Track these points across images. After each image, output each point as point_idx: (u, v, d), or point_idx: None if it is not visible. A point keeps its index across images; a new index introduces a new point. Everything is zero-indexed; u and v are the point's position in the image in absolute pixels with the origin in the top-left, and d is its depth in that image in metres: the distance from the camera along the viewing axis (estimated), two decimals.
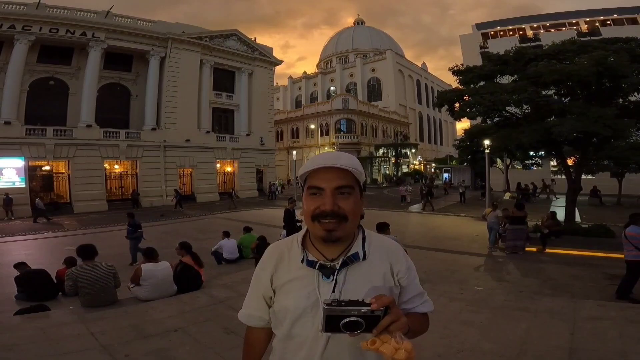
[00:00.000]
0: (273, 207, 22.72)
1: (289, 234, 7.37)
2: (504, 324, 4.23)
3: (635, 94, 11.06)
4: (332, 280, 1.09)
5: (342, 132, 44.20)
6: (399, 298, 1.17)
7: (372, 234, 1.22)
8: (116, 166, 25.24)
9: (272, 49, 34.14)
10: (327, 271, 1.10)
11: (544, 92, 11.59)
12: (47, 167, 22.61)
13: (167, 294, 5.54)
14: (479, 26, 52.69)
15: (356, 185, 1.11)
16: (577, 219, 13.41)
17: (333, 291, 1.08)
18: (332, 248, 1.13)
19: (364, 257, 1.13)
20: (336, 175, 1.08)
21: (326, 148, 42.49)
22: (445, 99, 13.60)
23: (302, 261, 1.13)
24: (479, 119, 14.44)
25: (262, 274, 1.21)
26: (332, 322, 0.91)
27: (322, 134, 45.20)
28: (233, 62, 30.55)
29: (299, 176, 1.16)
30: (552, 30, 46.35)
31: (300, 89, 66.82)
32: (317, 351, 1.08)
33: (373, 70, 58.51)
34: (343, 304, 0.93)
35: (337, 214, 1.06)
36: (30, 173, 21.36)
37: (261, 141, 32.09)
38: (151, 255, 5.74)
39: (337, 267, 1.10)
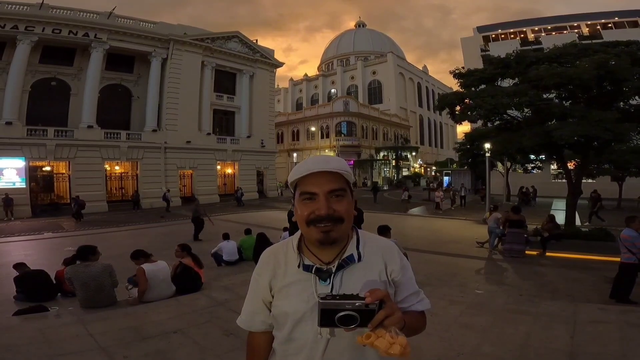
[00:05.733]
0: (274, 209, 22.73)
1: (292, 234, 7.37)
2: (504, 327, 4.21)
3: (636, 97, 11.06)
4: (329, 283, 1.10)
5: (342, 135, 44.25)
6: (394, 297, 1.17)
7: (366, 235, 1.23)
8: (117, 167, 25.27)
9: (273, 51, 34.21)
10: (323, 275, 1.11)
11: (545, 96, 11.59)
12: (47, 168, 22.63)
13: (166, 294, 5.52)
14: (480, 29, 52.91)
15: (347, 186, 1.12)
16: (578, 222, 13.39)
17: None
18: (328, 251, 1.13)
19: (359, 259, 1.14)
20: (327, 178, 1.08)
21: (327, 151, 42.51)
22: (446, 102, 13.60)
23: (299, 266, 1.14)
24: (479, 122, 14.44)
25: (260, 280, 1.22)
26: (328, 317, 0.92)
27: (322, 137, 45.23)
28: (234, 64, 30.63)
29: (290, 183, 1.16)
30: (554, 33, 46.49)
31: (301, 91, 66.94)
32: (317, 353, 1.09)
33: (374, 72, 58.63)
34: (337, 297, 0.94)
35: (332, 217, 1.06)
36: (31, 173, 21.37)
37: (262, 143, 32.12)
38: (145, 255, 5.68)
39: (333, 270, 1.11)
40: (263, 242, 8.16)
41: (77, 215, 18.41)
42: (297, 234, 1.21)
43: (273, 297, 1.18)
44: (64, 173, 23.06)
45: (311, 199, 1.08)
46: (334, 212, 1.07)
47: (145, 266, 5.38)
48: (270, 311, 1.20)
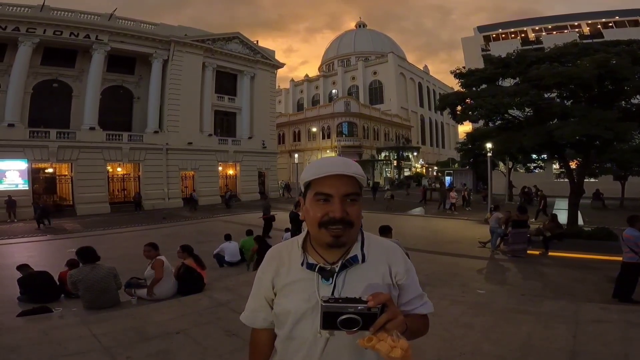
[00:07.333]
0: (276, 210, 22.70)
1: (294, 235, 7.39)
2: (505, 327, 4.22)
3: (638, 96, 11.03)
4: (332, 282, 1.11)
5: (344, 135, 44.20)
6: (398, 299, 1.17)
7: (370, 237, 1.23)
8: (119, 169, 25.32)
9: (274, 51, 34.23)
10: (326, 274, 1.12)
11: (546, 95, 11.57)
12: (50, 170, 22.68)
13: (174, 289, 5.71)
14: (480, 29, 52.88)
15: (360, 191, 1.13)
16: (580, 222, 13.35)
17: (332, 294, 1.09)
18: (333, 252, 1.14)
19: (363, 260, 1.14)
20: (344, 182, 1.08)
21: (328, 151, 42.49)
22: (447, 102, 13.59)
23: (302, 264, 1.14)
24: (481, 122, 14.42)
25: (263, 277, 1.23)
26: (330, 320, 0.92)
27: (323, 137, 45.18)
28: (235, 65, 30.67)
29: (303, 181, 1.15)
30: (554, 32, 46.41)
31: (302, 92, 66.90)
32: (316, 352, 1.10)
33: (375, 73, 58.54)
34: (340, 301, 0.94)
35: (345, 220, 1.07)
36: (34, 175, 21.47)
37: (263, 144, 32.14)
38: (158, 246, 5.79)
39: (337, 269, 1.11)
40: (264, 248, 8.29)
41: (38, 221, 17.34)
42: (303, 234, 1.22)
43: (275, 295, 1.19)
44: (66, 175, 23.10)
45: (326, 201, 1.08)
46: (347, 216, 1.07)
47: (162, 257, 5.54)
48: (272, 309, 1.21)
